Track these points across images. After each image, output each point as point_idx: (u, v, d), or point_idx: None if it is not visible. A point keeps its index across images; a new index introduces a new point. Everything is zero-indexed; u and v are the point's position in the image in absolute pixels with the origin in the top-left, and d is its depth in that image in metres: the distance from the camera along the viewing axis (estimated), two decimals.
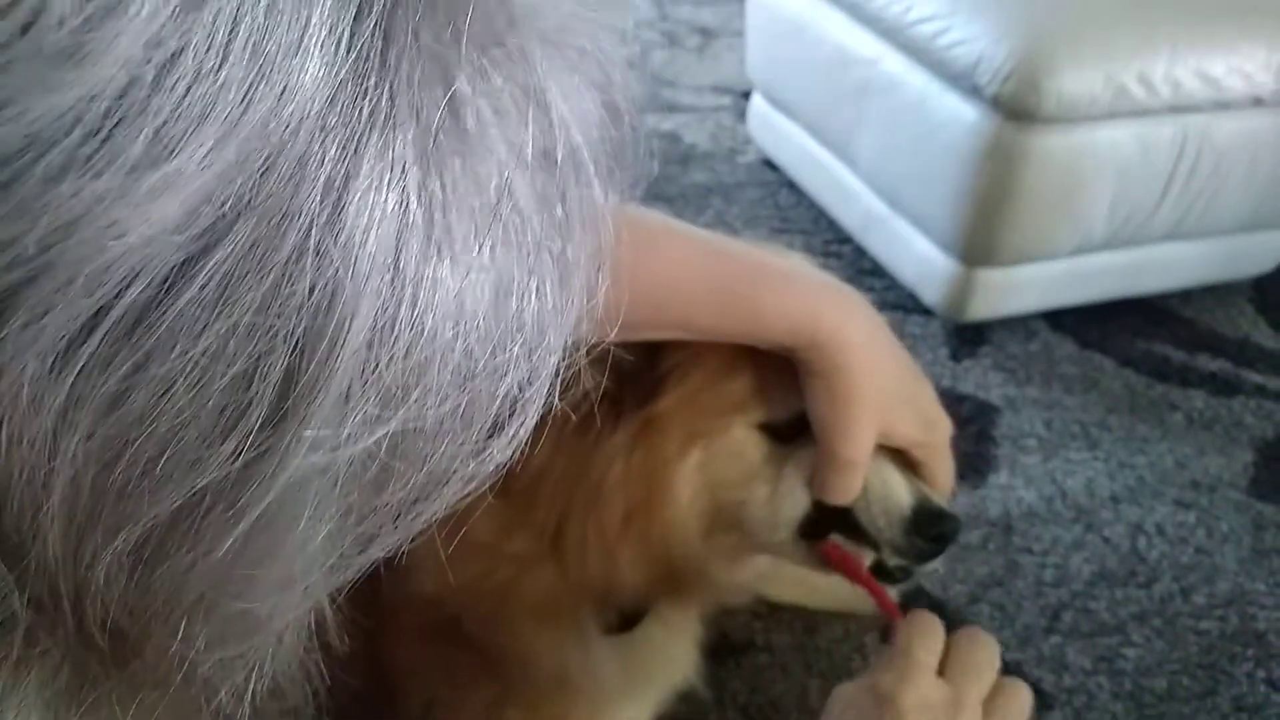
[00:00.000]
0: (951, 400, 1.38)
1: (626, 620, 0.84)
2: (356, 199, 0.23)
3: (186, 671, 0.29)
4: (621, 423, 0.72)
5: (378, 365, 0.25)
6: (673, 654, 0.93)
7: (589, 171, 0.29)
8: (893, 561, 0.76)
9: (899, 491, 0.74)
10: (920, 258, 1.68)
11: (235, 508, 0.25)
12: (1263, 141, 1.57)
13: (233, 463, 0.24)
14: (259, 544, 0.26)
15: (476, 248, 0.25)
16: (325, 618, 0.34)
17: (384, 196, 0.23)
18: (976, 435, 1.48)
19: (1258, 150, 1.57)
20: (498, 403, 0.28)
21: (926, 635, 0.64)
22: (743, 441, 0.73)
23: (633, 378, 0.72)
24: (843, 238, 1.90)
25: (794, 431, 0.73)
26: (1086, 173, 1.50)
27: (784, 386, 0.72)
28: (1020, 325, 1.71)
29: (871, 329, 0.72)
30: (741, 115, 2.26)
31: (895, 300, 1.74)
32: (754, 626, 1.19)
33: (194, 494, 0.24)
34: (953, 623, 1.19)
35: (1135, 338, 1.71)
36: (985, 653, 0.64)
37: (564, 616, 0.81)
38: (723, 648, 1.16)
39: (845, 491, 0.72)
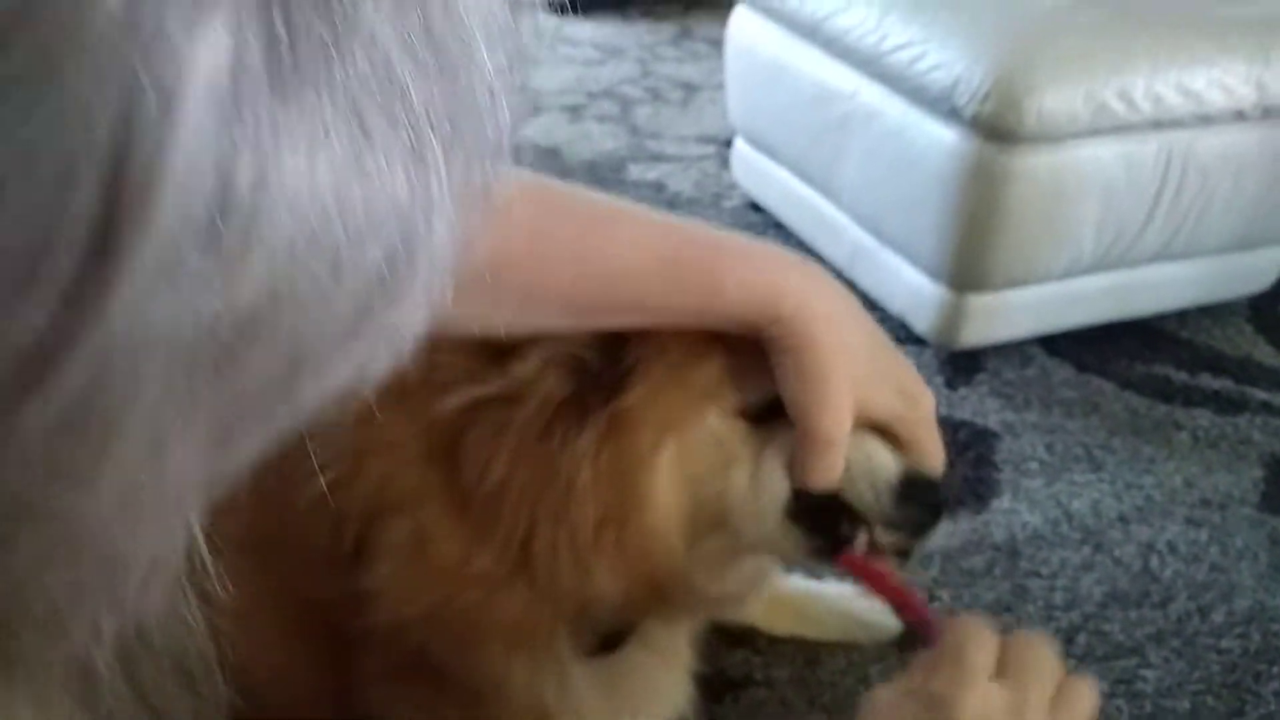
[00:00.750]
0: (949, 427, 1.34)
1: (607, 641, 0.79)
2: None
3: (37, 610, 0.25)
4: (587, 424, 0.68)
5: (210, 215, 0.21)
6: (661, 683, 0.87)
7: (477, 46, 0.25)
8: (887, 539, 0.71)
9: (884, 462, 0.70)
10: (909, 287, 1.65)
11: (47, 379, 0.21)
12: (1247, 157, 1.56)
13: (41, 317, 0.20)
14: (86, 437, 0.22)
15: (327, 99, 0.22)
16: (203, 561, 0.30)
17: (216, 30, 0.20)
18: (976, 460, 1.43)
19: (1243, 165, 1.56)
20: (360, 279, 0.24)
21: (979, 637, 0.58)
22: (718, 430, 0.69)
23: (596, 377, 0.69)
24: (830, 273, 1.87)
25: (770, 415, 0.69)
26: (1071, 192, 1.48)
27: (755, 369, 0.68)
28: (1016, 351, 1.68)
29: (839, 302, 0.69)
30: (725, 163, 2.26)
31: (887, 331, 1.70)
32: (752, 661, 1.13)
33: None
34: None
35: (1134, 360, 1.68)
36: (1044, 654, 0.59)
37: (537, 641, 0.75)
38: (720, 683, 1.11)
39: (826, 472, 0.67)
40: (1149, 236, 1.57)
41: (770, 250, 0.69)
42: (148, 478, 0.24)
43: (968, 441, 1.47)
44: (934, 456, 0.72)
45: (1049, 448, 1.47)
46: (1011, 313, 1.61)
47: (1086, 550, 1.30)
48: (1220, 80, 1.46)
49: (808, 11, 1.75)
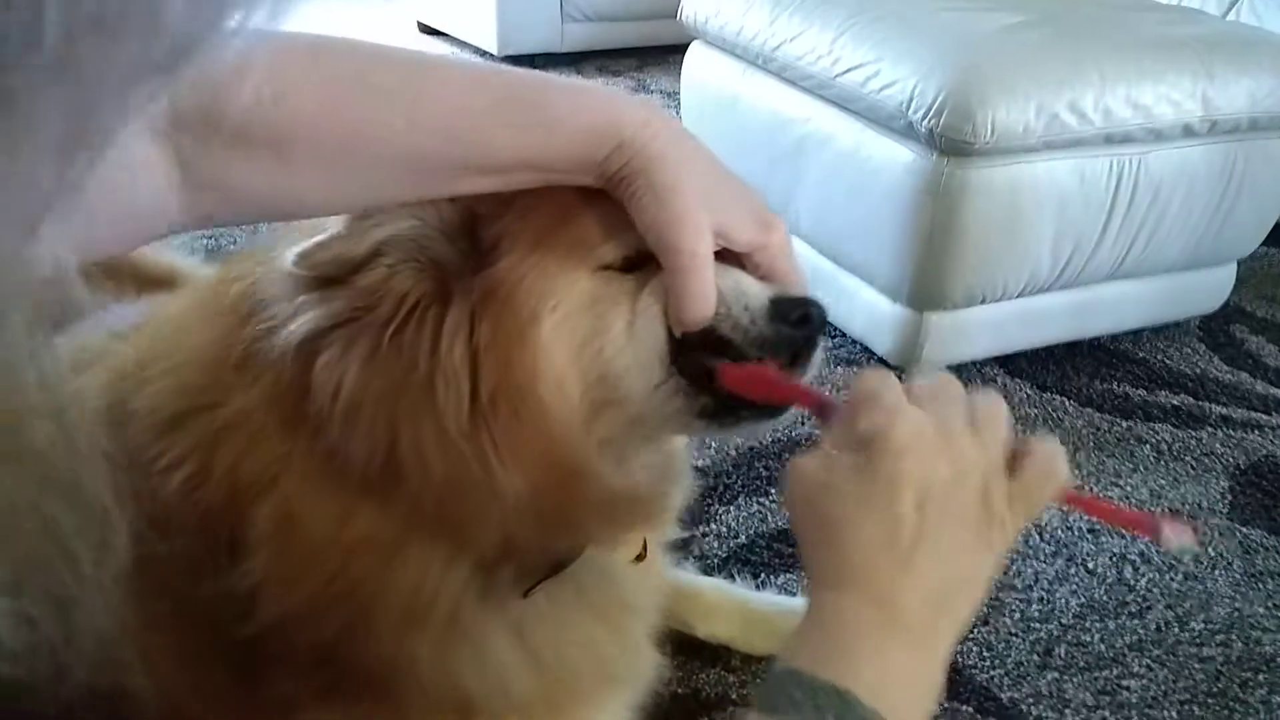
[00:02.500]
0: None
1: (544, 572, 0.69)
2: None
3: None
4: (453, 304, 0.62)
5: None
6: (607, 652, 0.76)
7: None
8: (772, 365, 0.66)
9: (753, 288, 0.66)
10: (869, 308, 1.64)
11: None
12: (1197, 173, 1.58)
13: None
14: None
15: None
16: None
17: None
18: None
19: (1193, 181, 1.58)
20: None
21: (887, 378, 0.56)
22: (592, 288, 0.65)
23: (457, 266, 0.63)
24: None
25: (641, 264, 0.65)
26: (1027, 206, 1.49)
27: (621, 221, 0.64)
28: (975, 371, 1.66)
29: (678, 124, 0.66)
30: None
31: (847, 355, 1.69)
32: (727, 680, 1.07)
33: None
34: None
35: (1092, 379, 1.67)
36: (948, 382, 0.57)
37: (440, 610, 0.66)
38: (695, 703, 1.05)
39: (699, 297, 0.63)
40: (1104, 252, 1.58)
41: (600, 86, 0.66)
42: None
43: None
44: (798, 283, 0.69)
45: None
46: (971, 332, 1.60)
47: (1060, 562, 1.27)
48: (1168, 95, 1.48)
49: (760, 41, 1.75)
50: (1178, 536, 0.57)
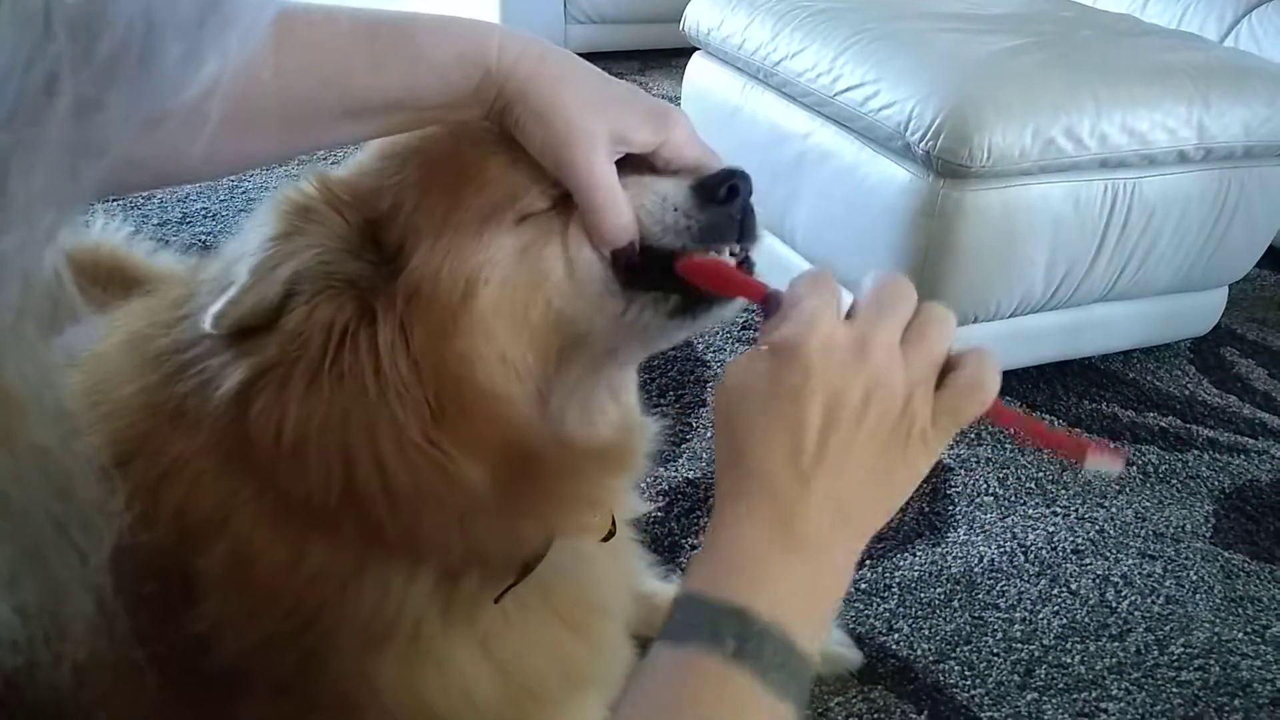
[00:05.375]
0: None
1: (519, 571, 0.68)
2: None
3: None
4: (382, 322, 0.60)
5: None
6: (576, 654, 0.74)
7: None
8: (718, 253, 0.65)
9: (668, 185, 0.65)
10: None
11: None
12: (1190, 198, 1.59)
13: None
14: None
15: None
16: None
17: None
18: (931, 493, 1.42)
19: (1186, 207, 1.60)
20: None
21: (817, 284, 0.54)
22: (519, 241, 0.62)
23: (367, 279, 0.61)
24: None
25: (564, 200, 0.63)
26: (1021, 228, 1.50)
27: (519, 173, 0.63)
28: None
29: (543, 43, 0.64)
30: None
31: None
32: None
33: None
34: (922, 684, 1.12)
35: (1081, 399, 1.69)
36: (895, 288, 0.55)
37: (401, 630, 0.65)
38: None
39: (612, 210, 0.61)
40: (1097, 274, 1.59)
41: (467, 18, 0.65)
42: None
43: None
44: (707, 163, 0.67)
45: (1002, 481, 1.47)
46: None
47: (1043, 583, 1.29)
48: (1163, 122, 1.50)
49: (762, 56, 1.77)
50: (1102, 462, 0.56)
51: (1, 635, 0.35)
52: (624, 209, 0.62)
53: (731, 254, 0.67)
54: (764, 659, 0.47)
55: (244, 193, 2.18)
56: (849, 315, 0.54)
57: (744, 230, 0.66)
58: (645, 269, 0.64)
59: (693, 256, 0.64)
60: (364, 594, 0.64)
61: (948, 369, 0.54)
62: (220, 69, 0.31)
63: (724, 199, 0.65)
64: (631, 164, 0.65)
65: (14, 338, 0.30)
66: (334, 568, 0.63)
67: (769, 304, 0.57)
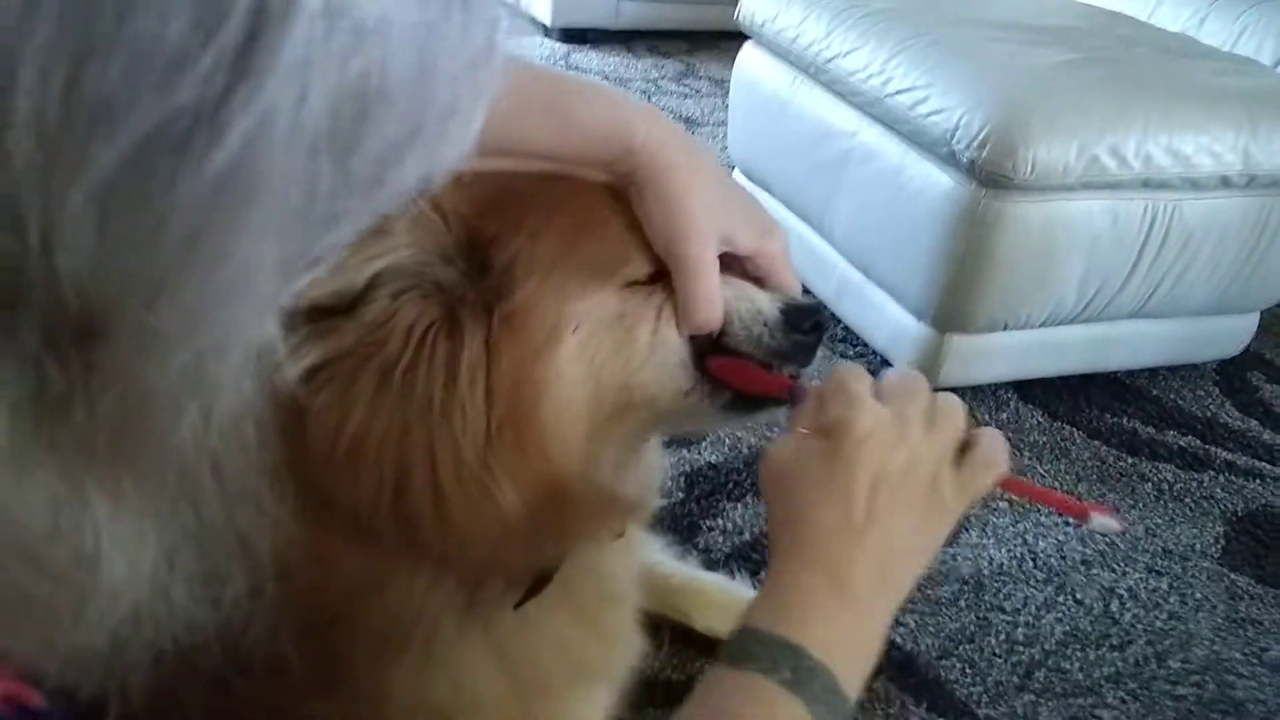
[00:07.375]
0: None
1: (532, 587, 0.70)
2: None
3: (152, 366, 0.28)
4: (467, 339, 0.60)
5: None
6: (587, 652, 0.77)
7: None
8: (783, 372, 0.73)
9: (763, 300, 0.72)
10: (893, 324, 1.68)
11: (212, 136, 0.24)
12: (1230, 223, 1.61)
13: (207, 85, 0.22)
14: (224, 204, 0.24)
15: None
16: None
17: None
18: None
19: (1225, 231, 1.61)
20: (454, 65, 0.30)
21: (856, 371, 0.64)
22: (622, 303, 0.66)
23: (465, 291, 0.62)
24: None
25: (662, 278, 0.68)
26: (1059, 242, 1.53)
27: (634, 239, 0.67)
28: (991, 394, 1.71)
29: (683, 135, 0.70)
30: None
31: (868, 365, 1.72)
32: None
33: (164, 119, 0.22)
34: (924, 678, 1.17)
35: (1103, 412, 1.72)
36: (914, 379, 0.65)
37: (419, 635, 0.66)
38: (689, 690, 1.11)
39: (705, 300, 0.67)
40: (1129, 292, 1.62)
41: (609, 87, 0.71)
42: (263, 257, 0.28)
43: None
44: (794, 285, 0.75)
45: None
46: (991, 356, 1.65)
47: (1050, 590, 1.33)
48: (1209, 146, 1.51)
49: (815, 52, 1.79)
50: (1104, 522, 0.66)
51: (178, 616, 0.39)
52: (716, 302, 0.69)
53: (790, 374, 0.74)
54: (813, 690, 0.55)
55: None
56: (877, 398, 0.63)
57: (807, 355, 0.74)
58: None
59: (720, 358, 0.71)
60: (383, 603, 0.65)
61: (963, 448, 0.63)
62: (436, 177, 0.33)
63: (807, 330, 0.72)
64: (724, 261, 0.71)
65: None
66: (361, 579, 0.64)
67: (794, 395, 0.68)
